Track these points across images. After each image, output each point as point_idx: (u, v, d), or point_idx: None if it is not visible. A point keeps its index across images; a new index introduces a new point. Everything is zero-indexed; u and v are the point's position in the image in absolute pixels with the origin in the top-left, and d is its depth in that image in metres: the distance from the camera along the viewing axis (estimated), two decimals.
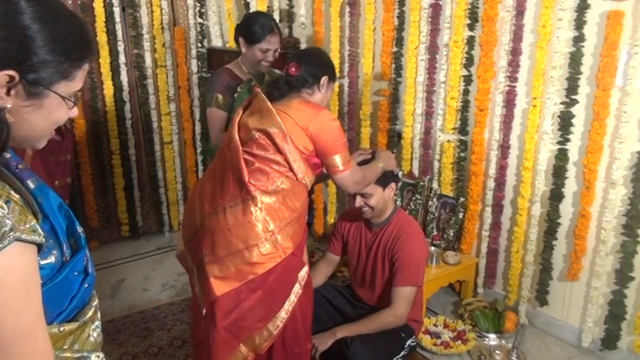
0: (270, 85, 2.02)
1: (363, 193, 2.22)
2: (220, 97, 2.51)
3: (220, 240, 1.82)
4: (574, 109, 2.56)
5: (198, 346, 1.99)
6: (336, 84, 3.64)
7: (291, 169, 1.86)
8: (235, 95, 2.53)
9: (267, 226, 1.80)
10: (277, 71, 2.70)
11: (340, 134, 1.92)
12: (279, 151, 1.83)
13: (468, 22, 2.91)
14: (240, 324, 1.84)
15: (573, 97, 2.55)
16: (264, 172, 1.84)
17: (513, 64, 2.75)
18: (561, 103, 2.59)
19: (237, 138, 1.88)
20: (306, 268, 1.98)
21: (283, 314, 1.88)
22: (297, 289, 1.91)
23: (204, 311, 1.86)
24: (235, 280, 1.81)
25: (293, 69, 1.96)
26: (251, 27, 2.49)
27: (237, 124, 1.93)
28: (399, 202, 3.41)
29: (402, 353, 2.27)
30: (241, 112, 1.98)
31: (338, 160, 1.90)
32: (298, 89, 1.98)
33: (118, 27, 3.64)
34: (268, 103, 1.88)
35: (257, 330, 1.85)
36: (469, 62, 2.97)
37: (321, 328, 2.24)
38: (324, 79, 2.01)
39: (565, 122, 2.59)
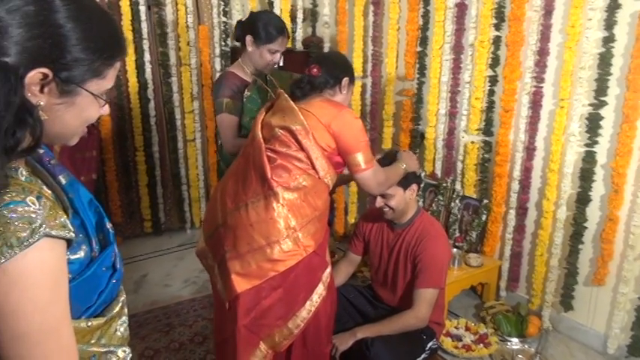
0: (293, 85, 2.03)
1: (383, 194, 2.21)
2: (230, 101, 2.42)
3: (242, 236, 1.83)
4: (603, 111, 2.51)
5: (222, 344, 2.00)
6: (359, 83, 3.64)
7: (313, 167, 1.86)
8: (245, 99, 2.45)
9: (288, 223, 1.81)
10: (281, 72, 2.64)
11: (362, 133, 1.91)
12: (301, 148, 1.84)
13: (495, 21, 2.87)
14: (260, 321, 1.84)
15: (602, 98, 2.50)
16: (286, 168, 1.84)
17: (540, 65, 2.71)
18: (590, 104, 2.54)
19: (260, 135, 1.90)
20: (329, 269, 1.97)
21: (304, 313, 1.87)
22: (320, 289, 1.91)
23: (227, 305, 1.88)
24: (256, 278, 1.82)
25: (315, 70, 1.98)
26: (264, 26, 2.39)
27: (260, 123, 1.95)
28: (420, 203, 3.38)
29: (422, 355, 2.24)
30: (264, 112, 2.00)
31: (360, 158, 1.89)
32: (321, 90, 2.00)
33: (144, 25, 3.69)
34: (291, 102, 1.90)
35: (277, 327, 1.85)
36: (495, 62, 2.93)
37: (341, 328, 2.23)
38: (344, 81, 2.02)
39: (593, 124, 2.54)
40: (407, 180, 2.22)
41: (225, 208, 1.91)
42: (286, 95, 1.94)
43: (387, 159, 2.22)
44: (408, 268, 2.29)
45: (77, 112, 0.82)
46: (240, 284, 1.82)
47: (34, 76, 0.74)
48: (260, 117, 1.97)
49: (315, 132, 1.84)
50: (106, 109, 0.87)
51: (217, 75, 3.96)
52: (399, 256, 2.32)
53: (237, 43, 3.90)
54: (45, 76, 0.75)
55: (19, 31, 0.72)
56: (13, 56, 0.72)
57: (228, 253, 1.85)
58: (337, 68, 2.03)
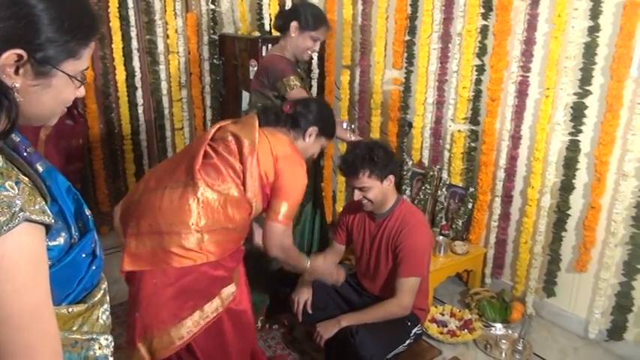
0: (261, 111, 2.06)
1: (361, 187, 2.21)
2: (296, 77, 2.51)
3: (148, 215, 1.79)
4: (587, 100, 2.54)
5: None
6: (347, 72, 3.63)
7: (244, 184, 1.83)
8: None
9: (198, 221, 1.76)
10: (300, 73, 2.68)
11: (300, 191, 1.92)
12: (241, 160, 1.83)
13: (482, 11, 2.88)
14: (143, 319, 1.76)
15: (587, 87, 2.52)
16: (218, 170, 1.82)
17: (527, 54, 2.72)
18: (574, 93, 2.57)
19: (212, 133, 1.92)
20: (232, 289, 1.88)
21: (190, 323, 1.77)
22: (216, 304, 1.82)
23: (122, 275, 1.82)
24: (145, 262, 1.76)
25: (287, 107, 2.03)
26: (311, 14, 2.55)
27: (220, 125, 1.97)
28: (407, 192, 3.41)
29: (407, 341, 2.28)
30: (229, 121, 2.01)
31: (283, 208, 1.87)
32: (286, 127, 2.01)
33: (131, 12, 3.65)
34: (256, 120, 1.93)
35: (157, 330, 1.75)
36: (482, 51, 2.94)
37: (327, 316, 2.26)
38: (311, 130, 2.03)
39: (577, 113, 2.57)
40: (384, 171, 2.22)
41: (147, 186, 1.88)
42: (255, 115, 1.98)
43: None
44: (389, 258, 2.31)
45: (54, 94, 0.82)
46: (128, 263, 1.77)
47: (8, 57, 0.74)
48: (224, 122, 1.99)
49: (262, 155, 1.84)
50: (82, 91, 0.87)
51: (205, 63, 3.96)
52: (381, 246, 2.33)
53: (226, 32, 3.93)
54: (19, 57, 0.75)
55: None
56: None
57: (129, 229, 1.80)
58: (310, 114, 2.04)
